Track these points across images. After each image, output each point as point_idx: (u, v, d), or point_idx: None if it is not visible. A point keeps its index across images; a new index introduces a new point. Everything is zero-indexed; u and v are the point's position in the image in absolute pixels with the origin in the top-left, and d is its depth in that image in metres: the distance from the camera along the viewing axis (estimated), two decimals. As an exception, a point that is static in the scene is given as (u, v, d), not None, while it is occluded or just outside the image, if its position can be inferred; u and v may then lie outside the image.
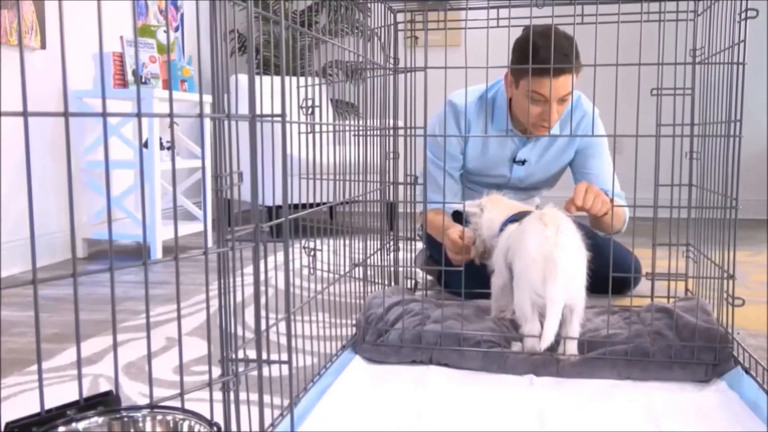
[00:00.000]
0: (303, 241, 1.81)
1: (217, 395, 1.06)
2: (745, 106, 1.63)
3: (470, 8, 1.84)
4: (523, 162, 2.38)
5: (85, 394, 0.94)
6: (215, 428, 0.91)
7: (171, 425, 0.93)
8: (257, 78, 1.09)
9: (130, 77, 3.31)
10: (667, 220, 1.83)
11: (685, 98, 1.70)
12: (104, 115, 0.86)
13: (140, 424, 0.92)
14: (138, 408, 0.94)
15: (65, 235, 3.29)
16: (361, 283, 2.06)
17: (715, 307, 1.75)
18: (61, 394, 1.58)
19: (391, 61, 2.15)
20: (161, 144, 3.56)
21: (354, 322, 1.90)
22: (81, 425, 0.88)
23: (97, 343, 1.96)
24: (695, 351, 1.63)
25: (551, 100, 2.06)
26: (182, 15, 4.41)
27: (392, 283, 2.26)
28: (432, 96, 1.88)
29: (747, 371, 1.58)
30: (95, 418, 0.89)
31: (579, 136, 2.32)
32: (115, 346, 0.92)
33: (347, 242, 2.02)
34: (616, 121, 1.76)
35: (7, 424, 0.83)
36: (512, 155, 2.37)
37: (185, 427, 0.93)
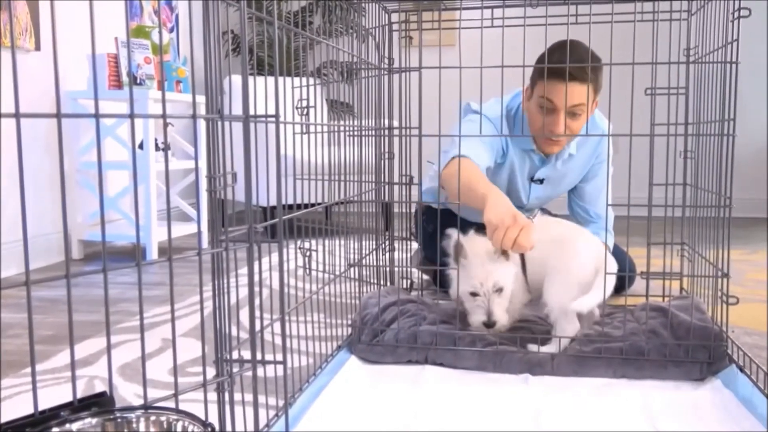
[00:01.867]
0: (298, 242, 1.81)
1: (212, 396, 1.06)
2: (739, 106, 1.63)
3: (464, 8, 1.84)
4: (541, 181, 2.34)
5: (81, 395, 0.94)
6: (209, 428, 0.91)
7: (165, 426, 0.93)
8: (252, 79, 1.10)
9: (125, 78, 3.31)
10: (662, 219, 1.83)
11: (679, 97, 1.70)
12: (97, 116, 0.86)
13: (134, 425, 0.92)
14: (132, 409, 0.94)
15: (60, 236, 3.28)
16: (357, 284, 2.06)
17: (710, 306, 1.75)
18: (56, 395, 1.58)
19: (386, 61, 2.15)
20: (157, 145, 3.56)
21: (349, 322, 1.90)
22: (75, 426, 0.88)
23: (93, 344, 1.96)
24: (690, 349, 1.64)
25: (561, 108, 2.00)
26: (177, 15, 4.40)
27: (388, 283, 2.26)
28: (427, 96, 1.88)
29: (742, 369, 1.58)
30: (89, 419, 0.89)
31: (580, 133, 2.31)
32: (108, 347, 0.92)
33: (343, 242, 2.02)
34: (610, 121, 1.77)
35: (1, 426, 0.83)
36: (530, 174, 2.32)
37: (179, 428, 0.93)
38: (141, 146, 3.29)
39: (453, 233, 1.80)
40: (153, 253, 3.28)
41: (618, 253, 2.29)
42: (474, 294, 1.75)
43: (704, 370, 1.63)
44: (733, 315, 1.68)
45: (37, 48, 3.08)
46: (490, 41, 1.77)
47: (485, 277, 1.72)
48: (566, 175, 2.35)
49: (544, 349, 1.72)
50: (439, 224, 2.16)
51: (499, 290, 1.74)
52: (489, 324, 1.73)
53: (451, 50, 4.12)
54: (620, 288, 2.27)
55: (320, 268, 2.01)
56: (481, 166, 2.03)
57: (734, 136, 1.62)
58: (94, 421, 0.90)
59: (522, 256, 1.83)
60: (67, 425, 0.88)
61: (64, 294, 2.59)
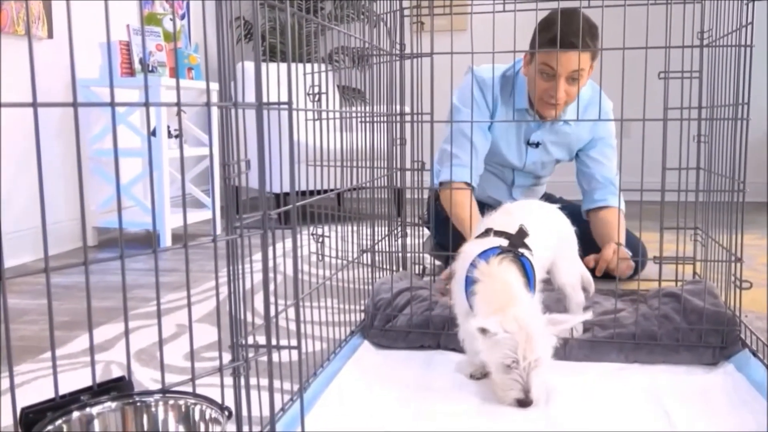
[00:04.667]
0: (311, 228, 1.82)
1: (228, 381, 1.07)
2: (753, 89, 1.62)
3: (476, -7, 1.83)
4: (537, 145, 2.36)
5: (99, 380, 0.95)
6: (226, 412, 0.92)
7: (183, 409, 0.94)
8: (264, 66, 1.10)
9: (137, 66, 3.31)
10: (675, 204, 1.83)
11: (692, 81, 1.69)
12: (113, 104, 0.87)
13: (153, 409, 0.94)
14: (150, 393, 0.95)
15: (72, 224, 3.31)
16: (370, 269, 2.07)
17: (723, 290, 1.75)
18: (73, 380, 1.59)
19: (398, 46, 2.15)
20: (169, 132, 3.57)
21: (362, 307, 1.91)
22: (95, 410, 0.90)
23: (107, 330, 1.98)
24: (702, 334, 1.64)
25: (559, 74, 2.05)
26: (188, 2, 4.40)
27: (400, 269, 2.26)
28: (438, 81, 1.87)
29: (755, 354, 1.58)
30: (108, 403, 0.91)
31: (585, 120, 2.31)
32: (126, 331, 0.93)
33: (355, 228, 2.03)
34: (623, 105, 1.76)
35: (23, 409, 0.84)
36: (526, 137, 2.36)
37: (197, 412, 0.94)
38: (153, 133, 3.30)
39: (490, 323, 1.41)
40: (166, 240, 3.30)
41: (629, 238, 2.30)
42: (510, 367, 1.40)
43: (717, 355, 1.63)
44: (746, 300, 1.67)
45: (50, 36, 3.09)
46: (502, 26, 1.76)
47: (530, 351, 1.37)
48: (562, 142, 2.36)
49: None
50: (451, 210, 2.17)
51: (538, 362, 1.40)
52: (527, 403, 1.39)
53: (463, 35, 4.10)
54: (632, 273, 2.27)
55: (333, 254, 2.02)
56: (474, 177, 2.21)
57: (748, 120, 1.61)
58: (113, 405, 0.91)
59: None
60: (88, 409, 0.89)
61: (78, 281, 2.61)
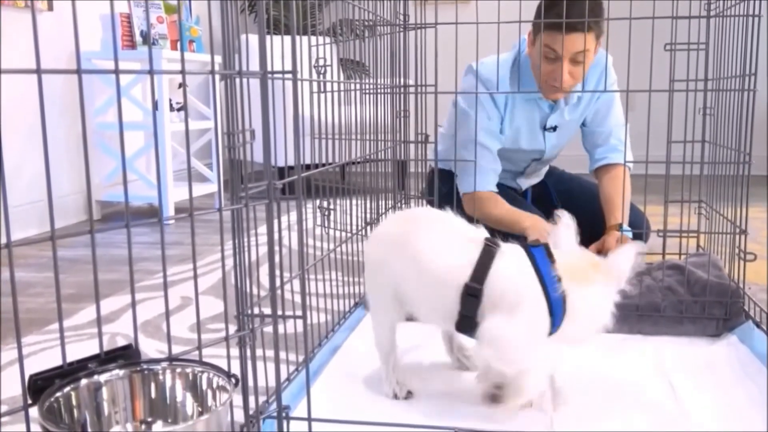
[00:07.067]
0: (316, 201, 1.82)
1: (234, 352, 1.07)
2: (760, 60, 1.61)
3: (481, -37, 1.81)
4: (554, 129, 2.32)
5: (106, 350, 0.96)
6: (233, 380, 0.93)
7: (190, 377, 0.95)
8: (269, 38, 1.08)
9: (138, 38, 3.29)
10: (680, 177, 1.82)
11: (699, 53, 1.68)
12: (117, 72, 0.86)
13: (160, 377, 0.94)
14: (157, 361, 0.96)
15: (77, 197, 3.31)
16: (373, 242, 2.07)
17: (727, 263, 1.75)
18: (79, 352, 1.60)
19: (401, 17, 2.13)
20: (171, 105, 3.56)
21: (366, 280, 1.91)
22: (103, 377, 0.90)
23: (112, 302, 1.98)
24: (706, 306, 1.64)
25: (563, 56, 2.01)
26: (189, -25, 4.36)
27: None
28: (442, 53, 1.86)
29: (758, 325, 1.59)
30: (116, 371, 0.91)
31: (591, 91, 2.29)
32: (133, 300, 0.94)
33: (359, 201, 2.03)
34: (629, 77, 1.75)
35: (31, 376, 0.85)
36: (542, 123, 2.30)
37: (204, 379, 0.94)
38: (156, 106, 3.29)
39: None
40: (170, 213, 3.30)
41: (634, 212, 2.29)
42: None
43: (720, 326, 1.63)
44: (750, 272, 1.68)
45: (50, 8, 3.07)
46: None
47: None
48: (577, 120, 2.33)
49: None
50: (456, 187, 2.16)
51: None
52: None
53: (467, 7, 4.06)
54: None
55: (337, 226, 2.01)
56: (494, 180, 2.21)
57: (755, 91, 1.60)
58: (121, 372, 0.92)
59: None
60: (95, 376, 0.90)
61: (83, 254, 2.62)
